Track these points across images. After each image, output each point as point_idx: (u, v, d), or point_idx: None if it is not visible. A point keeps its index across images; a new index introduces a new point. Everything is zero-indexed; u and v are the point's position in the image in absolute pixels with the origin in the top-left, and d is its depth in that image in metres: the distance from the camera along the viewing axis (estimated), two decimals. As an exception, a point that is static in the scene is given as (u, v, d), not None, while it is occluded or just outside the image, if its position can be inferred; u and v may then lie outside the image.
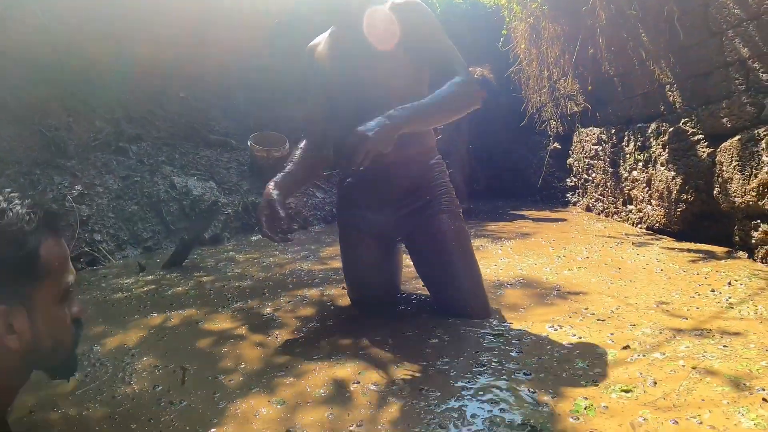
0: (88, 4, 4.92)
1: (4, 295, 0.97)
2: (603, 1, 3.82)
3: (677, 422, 1.11)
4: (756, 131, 2.44)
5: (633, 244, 3.01)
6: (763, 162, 2.38)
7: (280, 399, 1.34)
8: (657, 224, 3.35)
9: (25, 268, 0.99)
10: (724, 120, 2.70)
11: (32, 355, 1.03)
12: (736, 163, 2.55)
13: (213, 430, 1.21)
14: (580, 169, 4.69)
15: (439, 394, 1.30)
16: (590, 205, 4.53)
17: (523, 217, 4.68)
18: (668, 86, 3.26)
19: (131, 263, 3.43)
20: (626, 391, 1.24)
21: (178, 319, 2.08)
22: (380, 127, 1.57)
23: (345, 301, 2.18)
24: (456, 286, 1.89)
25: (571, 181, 4.99)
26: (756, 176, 2.42)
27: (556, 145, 5.27)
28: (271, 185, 1.89)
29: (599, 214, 4.34)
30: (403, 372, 1.45)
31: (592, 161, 4.42)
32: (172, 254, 3.31)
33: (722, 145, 2.68)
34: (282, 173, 1.97)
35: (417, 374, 1.43)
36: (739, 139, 2.55)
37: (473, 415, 1.20)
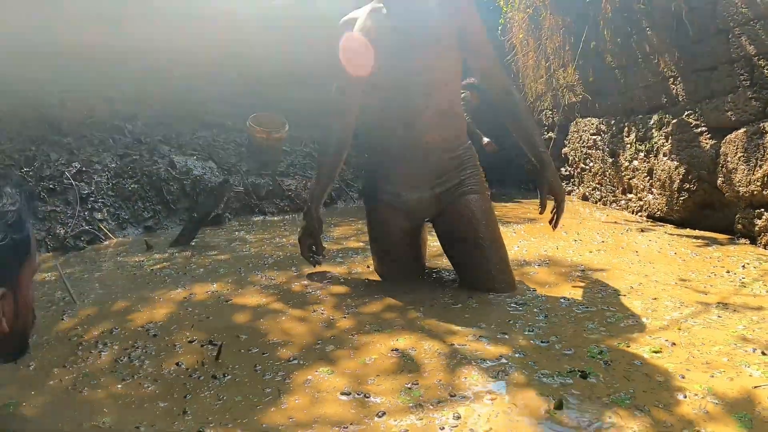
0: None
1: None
2: (608, -6, 3.91)
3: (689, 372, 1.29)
4: (762, 124, 2.56)
5: (640, 230, 3.13)
6: (768, 154, 2.50)
7: (332, 368, 1.40)
8: (658, 212, 3.48)
9: (20, 251, 0.95)
10: (729, 113, 2.81)
11: (7, 338, 0.98)
12: (741, 154, 2.68)
13: (269, 399, 1.26)
14: (577, 159, 4.81)
15: (482, 353, 1.44)
16: (587, 193, 4.65)
17: (521, 204, 4.77)
18: (671, 79, 3.37)
19: (135, 242, 3.39)
20: (656, 352, 1.40)
21: (207, 295, 2.08)
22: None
23: (374, 277, 2.25)
24: (485, 263, 1.99)
25: (566, 171, 5.10)
26: (761, 167, 2.54)
27: (551, 134, 5.37)
28: (314, 215, 2.19)
29: (596, 202, 4.47)
30: (444, 336, 1.57)
31: (589, 151, 4.54)
32: (181, 232, 3.29)
33: (727, 137, 2.80)
34: (319, 191, 2.21)
35: (457, 336, 1.56)
36: (744, 132, 2.67)
37: (516, 369, 1.32)
